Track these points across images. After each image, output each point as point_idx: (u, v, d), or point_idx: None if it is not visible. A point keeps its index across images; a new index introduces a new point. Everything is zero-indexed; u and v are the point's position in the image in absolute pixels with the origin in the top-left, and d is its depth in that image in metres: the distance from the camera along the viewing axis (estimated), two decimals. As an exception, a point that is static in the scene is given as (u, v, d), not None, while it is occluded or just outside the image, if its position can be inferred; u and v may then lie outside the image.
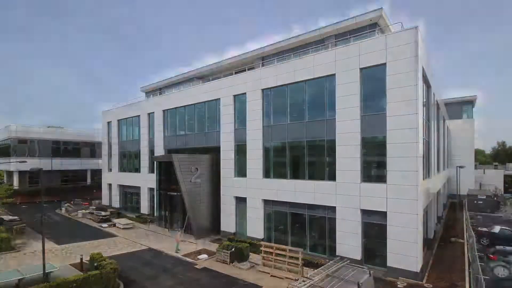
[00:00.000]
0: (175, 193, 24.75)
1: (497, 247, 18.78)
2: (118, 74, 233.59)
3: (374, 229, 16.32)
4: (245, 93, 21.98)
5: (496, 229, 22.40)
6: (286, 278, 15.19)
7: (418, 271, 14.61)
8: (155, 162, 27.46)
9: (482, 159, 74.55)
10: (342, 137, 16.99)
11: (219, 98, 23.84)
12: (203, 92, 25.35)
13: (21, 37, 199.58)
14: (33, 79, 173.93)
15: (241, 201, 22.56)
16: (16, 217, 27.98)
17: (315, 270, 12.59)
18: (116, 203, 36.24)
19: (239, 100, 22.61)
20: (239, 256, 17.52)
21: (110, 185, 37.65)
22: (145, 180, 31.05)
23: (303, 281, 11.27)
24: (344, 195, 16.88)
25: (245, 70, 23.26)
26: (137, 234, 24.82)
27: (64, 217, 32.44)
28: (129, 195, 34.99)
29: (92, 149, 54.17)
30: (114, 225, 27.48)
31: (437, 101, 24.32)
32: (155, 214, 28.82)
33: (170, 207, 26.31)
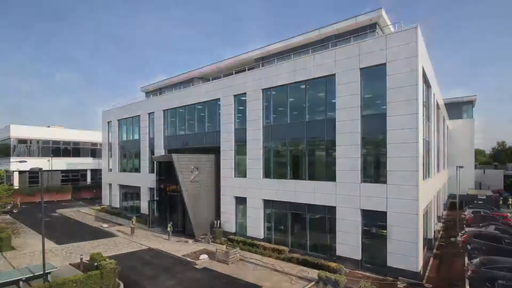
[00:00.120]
0: (175, 193, 24.75)
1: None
2: (118, 74, 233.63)
3: (374, 229, 16.33)
4: (245, 93, 21.99)
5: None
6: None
7: (418, 271, 14.61)
8: (155, 162, 27.46)
9: (482, 159, 74.55)
10: (342, 137, 16.99)
11: (219, 98, 23.85)
12: (203, 92, 25.35)
13: (22, 36, 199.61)
14: (33, 79, 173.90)
15: (241, 201, 22.56)
16: None
17: None
18: (116, 203, 36.25)
19: (239, 100, 22.61)
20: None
21: (110, 185, 37.66)
22: (145, 180, 31.06)
23: None
24: (344, 195, 16.88)
25: (245, 70, 23.28)
26: (137, 234, 24.81)
27: (64, 217, 32.43)
28: (129, 195, 34.99)
29: (92, 149, 54.20)
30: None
31: (437, 101, 24.33)
32: (155, 214, 28.83)
33: (170, 207, 26.31)
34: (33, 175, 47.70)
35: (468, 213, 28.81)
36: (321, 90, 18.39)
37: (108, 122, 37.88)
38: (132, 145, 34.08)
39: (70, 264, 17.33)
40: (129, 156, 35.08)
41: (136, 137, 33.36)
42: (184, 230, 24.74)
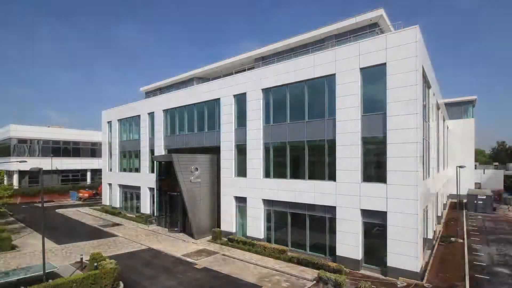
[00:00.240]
0: (175, 193, 24.76)
1: None
2: (119, 74, 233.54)
3: (374, 229, 16.33)
4: (245, 93, 21.98)
5: None
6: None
7: (418, 271, 14.62)
8: (155, 162, 27.47)
9: (482, 159, 74.50)
10: (342, 137, 16.99)
11: (219, 98, 23.84)
12: (203, 92, 25.35)
13: (22, 37, 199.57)
14: (33, 79, 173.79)
15: (241, 201, 22.56)
16: None
17: None
18: (116, 203, 36.25)
19: (239, 100, 22.61)
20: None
21: (110, 184, 37.67)
22: (145, 180, 31.06)
23: None
24: (344, 195, 16.88)
25: (245, 70, 23.26)
26: (137, 234, 24.82)
27: (64, 217, 32.44)
28: (129, 195, 35.01)
29: (92, 148, 54.23)
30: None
31: (437, 101, 24.32)
32: (155, 214, 28.86)
33: (170, 207, 26.34)
34: (33, 175, 47.75)
35: None
36: (321, 90, 18.39)
37: (108, 122, 37.88)
38: (132, 145, 34.08)
39: (70, 264, 17.33)
40: (129, 156, 35.09)
41: (136, 137, 33.37)
42: (184, 230, 24.77)
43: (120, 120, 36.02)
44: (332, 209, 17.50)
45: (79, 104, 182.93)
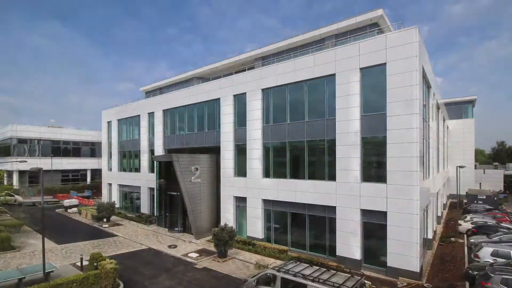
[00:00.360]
0: (175, 193, 24.76)
1: None
2: (119, 74, 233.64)
3: (374, 229, 16.33)
4: (245, 93, 21.98)
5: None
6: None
7: (418, 271, 14.62)
8: (155, 162, 27.47)
9: (482, 159, 74.55)
10: (342, 137, 16.99)
11: (219, 98, 23.84)
12: (203, 92, 25.35)
13: (22, 37, 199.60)
14: (33, 79, 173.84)
15: (241, 201, 22.57)
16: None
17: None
18: (116, 203, 36.20)
19: (239, 100, 22.61)
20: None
21: (110, 184, 37.66)
22: (145, 180, 31.06)
23: None
24: (344, 195, 16.88)
25: (245, 70, 23.27)
26: (137, 234, 24.82)
27: (65, 217, 32.43)
28: (129, 194, 35.02)
29: (92, 148, 54.25)
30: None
31: (437, 101, 24.33)
32: (155, 214, 28.86)
33: (170, 207, 26.33)
34: (33, 175, 47.78)
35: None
36: (321, 90, 18.39)
37: (108, 122, 37.88)
38: (132, 144, 34.08)
39: (70, 264, 17.32)
40: (129, 156, 35.09)
41: (136, 136, 33.37)
42: (184, 230, 24.76)
43: (120, 120, 36.02)
44: (332, 209, 17.50)
45: (79, 104, 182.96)
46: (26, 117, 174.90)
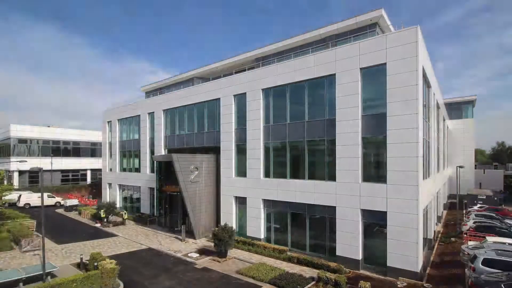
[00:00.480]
0: (175, 193, 24.77)
1: None
2: (119, 74, 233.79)
3: (374, 229, 16.33)
4: (245, 93, 21.98)
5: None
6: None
7: (418, 271, 14.62)
8: (155, 162, 27.47)
9: (482, 159, 74.56)
10: (342, 137, 16.99)
11: (219, 98, 23.84)
12: (203, 92, 25.35)
13: (21, 37, 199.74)
14: (32, 80, 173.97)
15: (241, 201, 22.57)
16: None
17: None
18: (116, 203, 36.20)
19: (239, 100, 22.61)
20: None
21: (110, 184, 37.67)
22: (145, 180, 31.07)
23: None
24: (344, 195, 16.88)
25: (245, 70, 23.26)
26: (137, 233, 24.83)
27: (65, 217, 32.45)
28: (129, 194, 35.01)
29: (92, 148, 54.27)
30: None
31: (437, 101, 24.32)
32: (155, 214, 28.87)
33: (170, 207, 26.34)
34: (33, 175, 47.79)
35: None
36: (321, 90, 18.39)
37: (108, 122, 37.89)
38: (132, 144, 34.09)
39: (70, 264, 17.33)
40: (129, 155, 35.10)
41: (136, 136, 33.38)
42: (184, 229, 24.74)
43: (120, 120, 36.03)
44: (332, 209, 17.50)
45: (79, 104, 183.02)
46: (26, 117, 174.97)
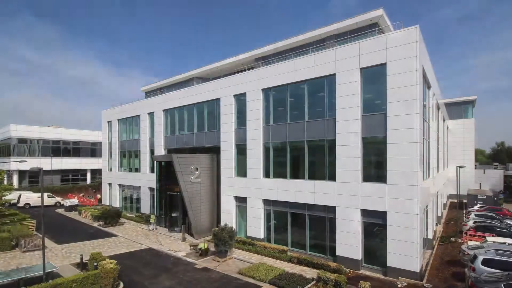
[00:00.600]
0: (175, 193, 24.75)
1: None
2: (119, 73, 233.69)
3: (374, 229, 16.33)
4: (245, 93, 21.98)
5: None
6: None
7: (418, 271, 14.62)
8: (155, 162, 27.47)
9: (482, 159, 74.52)
10: (342, 137, 16.99)
11: (219, 98, 23.84)
12: (203, 92, 25.35)
13: (21, 38, 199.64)
14: (32, 79, 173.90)
15: (241, 201, 22.56)
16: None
17: None
18: (116, 203, 36.25)
19: (239, 100, 22.61)
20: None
21: (110, 184, 37.67)
22: (145, 180, 31.07)
23: None
24: (344, 195, 16.88)
25: (245, 70, 23.26)
26: (137, 234, 24.83)
27: (65, 217, 32.44)
28: (129, 194, 35.01)
29: (92, 148, 54.27)
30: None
31: (437, 101, 24.33)
32: (155, 214, 28.83)
33: (170, 207, 26.33)
34: (33, 175, 47.80)
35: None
36: (321, 90, 18.39)
37: (108, 122, 37.89)
38: (132, 145, 34.09)
39: (70, 264, 17.32)
40: (129, 156, 35.10)
41: (136, 137, 33.38)
42: (184, 229, 24.74)
43: (120, 120, 36.03)
44: (332, 209, 17.50)
45: (79, 104, 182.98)
46: (26, 117, 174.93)
